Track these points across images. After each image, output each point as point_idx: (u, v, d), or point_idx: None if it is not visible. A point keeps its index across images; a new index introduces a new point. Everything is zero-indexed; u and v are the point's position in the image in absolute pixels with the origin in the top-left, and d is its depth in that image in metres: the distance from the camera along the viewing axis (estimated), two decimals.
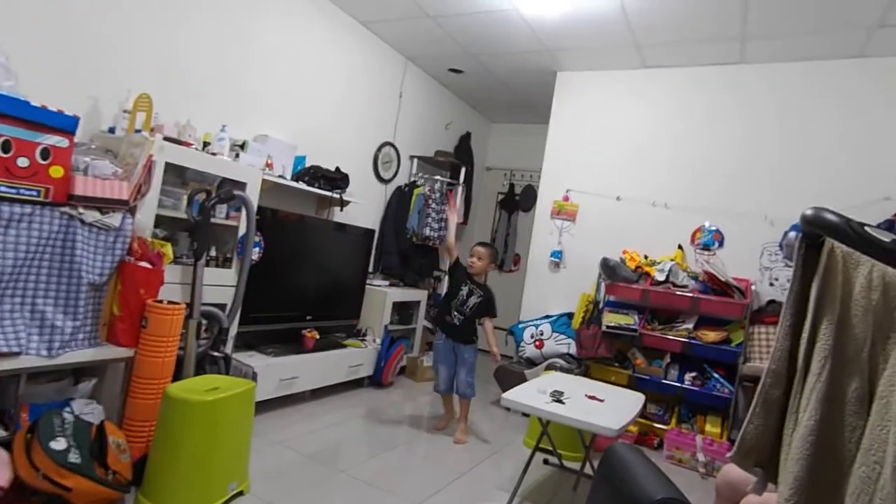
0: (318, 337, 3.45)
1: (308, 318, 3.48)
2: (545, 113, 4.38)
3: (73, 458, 1.64)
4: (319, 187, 3.44)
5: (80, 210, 1.89)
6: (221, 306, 2.65)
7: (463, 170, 4.81)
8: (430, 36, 3.93)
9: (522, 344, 3.88)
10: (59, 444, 1.62)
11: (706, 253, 3.61)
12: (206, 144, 2.76)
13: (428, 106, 4.87)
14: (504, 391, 2.31)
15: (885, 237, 0.64)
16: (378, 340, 3.86)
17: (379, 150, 4.30)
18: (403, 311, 4.35)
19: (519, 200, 5.73)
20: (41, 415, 1.70)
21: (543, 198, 4.23)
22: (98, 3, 2.48)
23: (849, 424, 0.86)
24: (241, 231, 2.71)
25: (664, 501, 1.33)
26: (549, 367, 3.59)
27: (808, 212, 0.74)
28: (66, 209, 1.86)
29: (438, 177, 4.60)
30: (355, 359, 3.59)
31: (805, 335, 0.85)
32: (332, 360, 3.40)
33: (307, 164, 3.53)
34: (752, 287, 3.37)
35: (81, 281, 1.91)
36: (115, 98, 2.53)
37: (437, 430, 3.16)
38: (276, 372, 2.96)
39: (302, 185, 3.32)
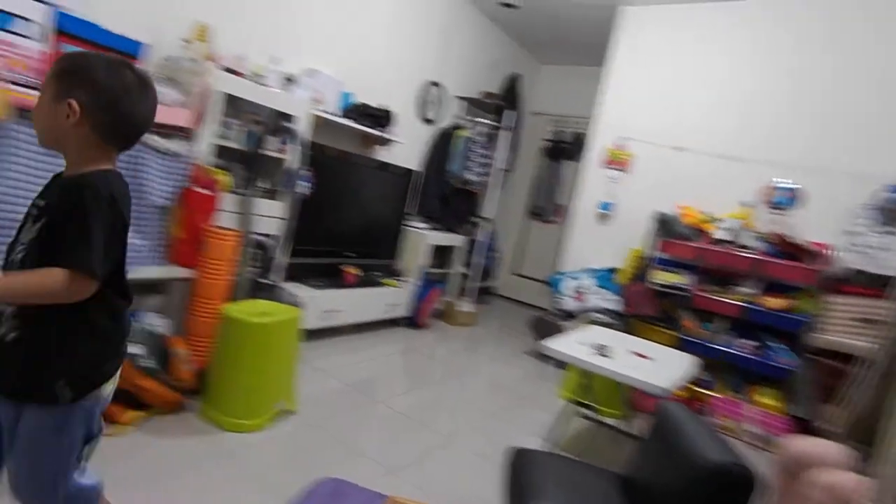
0: (358, 273, 3.64)
1: (349, 254, 3.66)
2: (600, 54, 4.25)
3: (147, 363, 1.87)
4: (365, 125, 3.52)
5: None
6: (268, 237, 2.83)
7: (509, 113, 4.78)
8: None
9: (561, 296, 3.97)
10: (135, 350, 1.85)
11: (778, 212, 3.44)
12: (257, 76, 2.86)
13: (476, 44, 4.79)
14: (540, 340, 2.33)
15: None
16: (415, 282, 4.03)
17: (424, 88, 4.30)
18: (441, 255, 4.50)
19: (567, 149, 5.67)
20: None
21: (594, 145, 4.18)
22: None
23: None
24: (291, 165, 2.84)
25: (730, 466, 1.27)
26: (590, 322, 3.69)
27: None
28: None
29: (484, 120, 4.59)
30: (392, 298, 3.78)
31: None
32: (370, 297, 3.60)
33: (354, 101, 3.60)
34: (831, 253, 3.15)
35: (149, 202, 2.09)
36: (175, 27, 2.64)
37: None
38: (319, 303, 3.17)
39: (349, 122, 3.41)
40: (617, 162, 4.07)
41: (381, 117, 3.64)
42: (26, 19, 1.65)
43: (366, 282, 3.67)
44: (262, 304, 2.22)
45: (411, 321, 4.00)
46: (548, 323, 3.89)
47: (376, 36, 3.81)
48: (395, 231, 4.05)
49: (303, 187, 2.88)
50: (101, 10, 2.17)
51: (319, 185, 3.19)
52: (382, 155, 3.95)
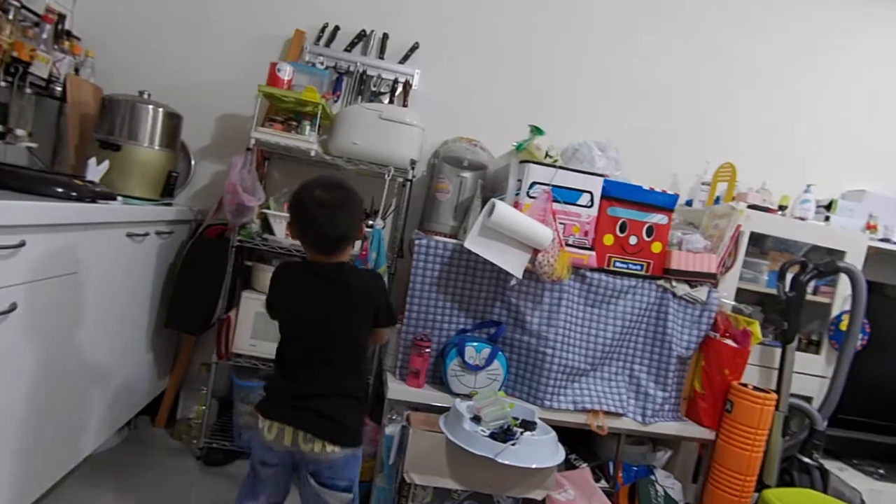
0: None
1: None
2: None
3: None
4: None
5: (673, 283, 2.07)
6: (803, 398, 2.32)
7: None
8: None
9: None
10: None
11: None
12: (781, 208, 2.60)
13: None
14: None
15: None
16: None
17: None
18: None
19: None
20: (639, 481, 1.89)
21: None
22: (676, 100, 2.82)
23: None
24: (835, 310, 2.31)
25: None
26: None
27: None
28: (662, 282, 2.08)
29: None
30: None
31: None
32: None
33: None
34: None
35: (671, 353, 2.06)
36: (691, 172, 2.76)
37: None
38: (884, 502, 2.30)
39: None
40: None
41: None
42: (589, 192, 1.99)
43: None
44: (812, 497, 1.74)
45: None
46: None
47: None
48: None
49: (856, 338, 2.27)
50: (629, 171, 2.46)
51: (877, 335, 2.45)
52: None
